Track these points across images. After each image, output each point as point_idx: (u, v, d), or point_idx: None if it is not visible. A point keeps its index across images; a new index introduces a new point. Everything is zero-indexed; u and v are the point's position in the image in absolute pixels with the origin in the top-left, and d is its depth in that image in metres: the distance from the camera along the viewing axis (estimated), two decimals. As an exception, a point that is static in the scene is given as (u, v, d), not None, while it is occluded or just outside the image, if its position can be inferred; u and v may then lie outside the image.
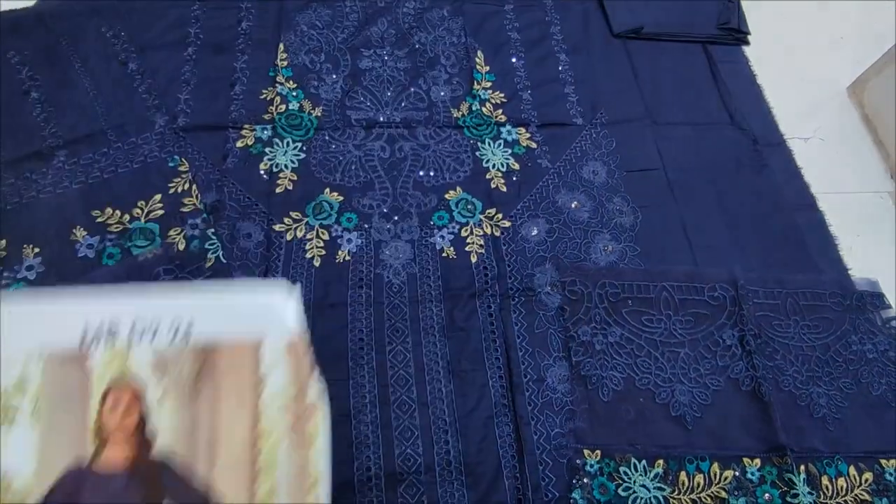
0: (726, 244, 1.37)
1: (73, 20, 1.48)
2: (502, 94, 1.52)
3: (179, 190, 1.26)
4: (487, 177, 1.37)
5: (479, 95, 1.50)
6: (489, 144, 1.42)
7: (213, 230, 1.21)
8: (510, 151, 1.42)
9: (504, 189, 1.36)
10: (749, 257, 1.36)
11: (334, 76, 1.49)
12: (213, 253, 1.19)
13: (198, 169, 1.29)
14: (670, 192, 1.43)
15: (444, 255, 1.26)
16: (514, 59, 1.60)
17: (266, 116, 1.39)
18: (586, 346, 1.19)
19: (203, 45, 1.49)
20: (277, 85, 1.44)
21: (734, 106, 1.60)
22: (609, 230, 1.35)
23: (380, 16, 1.62)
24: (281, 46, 1.51)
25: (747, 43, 1.76)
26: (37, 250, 1.17)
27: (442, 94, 1.50)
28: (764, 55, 1.74)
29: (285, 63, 1.49)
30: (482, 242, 1.28)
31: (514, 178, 1.38)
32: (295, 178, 1.31)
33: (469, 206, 1.33)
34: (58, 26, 1.46)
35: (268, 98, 1.42)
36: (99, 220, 1.20)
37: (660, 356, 1.20)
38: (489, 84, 1.54)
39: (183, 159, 1.30)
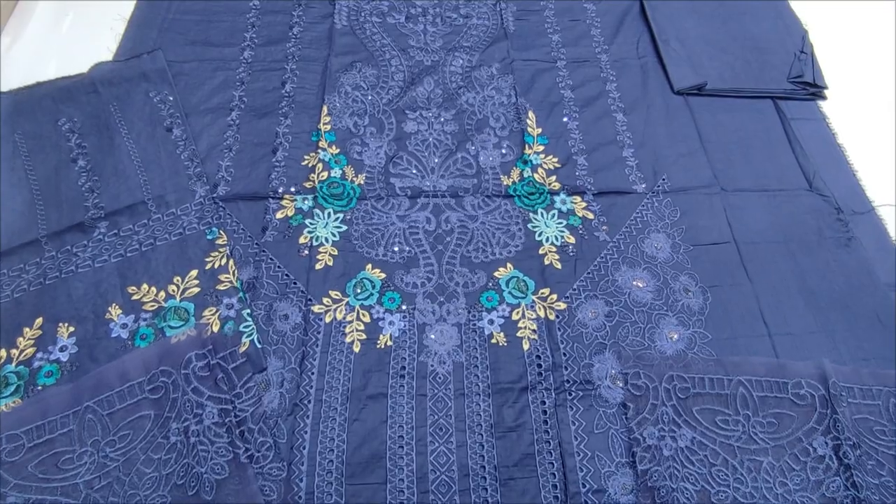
0: (811, 331, 1.22)
1: (123, 86, 1.48)
2: (556, 159, 1.42)
3: (216, 265, 1.21)
4: (541, 252, 1.27)
5: (531, 161, 1.41)
6: (542, 215, 1.33)
7: (248, 311, 1.15)
8: (565, 223, 1.32)
9: (559, 266, 1.25)
10: (839, 347, 1.20)
11: (378, 141, 1.43)
12: (247, 336, 1.12)
13: (236, 242, 1.24)
14: (743, 270, 1.29)
15: (493, 341, 1.15)
16: (567, 120, 1.51)
17: (307, 184, 1.34)
18: (653, 452, 1.06)
19: (247, 109, 1.46)
20: (320, 150, 1.39)
21: (812, 169, 1.46)
22: (675, 313, 1.22)
23: (426, 75, 1.57)
24: (324, 109, 1.47)
25: (824, 98, 1.62)
26: (72, 329, 1.13)
27: (491, 159, 1.41)
28: (844, 111, 1.59)
29: (328, 127, 1.44)
30: (535, 327, 1.17)
31: (570, 253, 1.27)
32: (335, 252, 1.24)
33: (521, 286, 1.22)
34: (108, 92, 1.46)
35: (309, 164, 1.37)
36: (135, 297, 1.16)
37: (738, 465, 1.05)
38: (541, 148, 1.44)
39: (221, 231, 1.25)
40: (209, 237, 1.24)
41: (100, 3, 1.70)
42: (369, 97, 1.51)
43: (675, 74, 1.62)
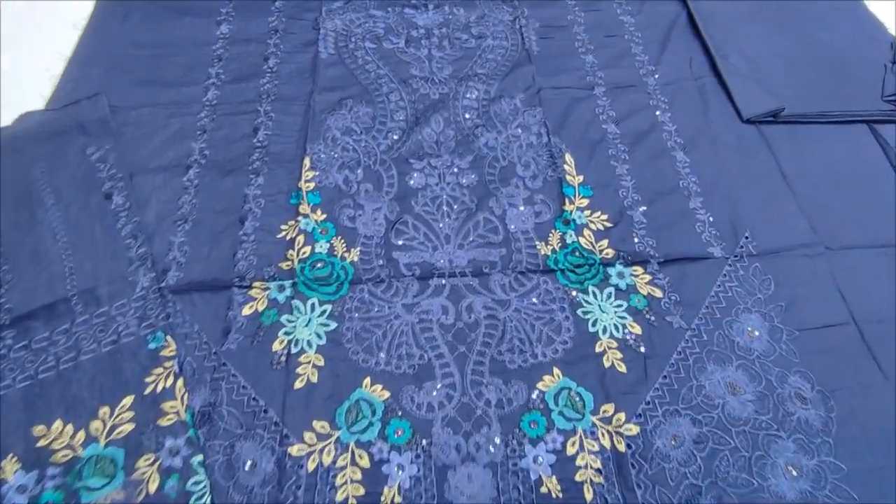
0: (980, 450, 0.88)
1: (55, 140, 1.18)
2: (604, 216, 1.10)
3: (159, 388, 0.89)
4: (598, 349, 0.94)
5: (574, 220, 1.09)
6: (595, 296, 1.00)
7: (200, 458, 0.82)
8: (625, 305, 0.99)
9: (623, 369, 0.92)
10: None
11: (376, 201, 1.11)
12: (198, 498, 0.80)
13: (188, 352, 0.92)
14: (873, 362, 0.95)
15: (542, 489, 0.82)
16: (614, 162, 1.19)
17: (284, 265, 1.02)
18: None
19: (208, 165, 1.16)
20: (300, 217, 1.08)
21: (936, 215, 1.13)
22: (790, 434, 0.88)
23: (434, 112, 1.26)
24: (306, 162, 1.16)
25: (931, 120, 1.29)
26: (-47, 494, 0.81)
27: (522, 220, 1.09)
28: (958, 136, 1.27)
29: (311, 185, 1.13)
30: (599, 464, 0.84)
31: (638, 349, 0.95)
32: (321, 362, 0.92)
33: (575, 402, 0.89)
34: (34, 150, 1.16)
35: (287, 237, 1.06)
36: (41, 442, 0.84)
37: None
38: (585, 201, 1.13)
39: (168, 337, 0.93)
40: (152, 346, 0.93)
41: (40, 42, 1.41)
42: (363, 143, 1.20)
43: (742, 98, 1.30)
